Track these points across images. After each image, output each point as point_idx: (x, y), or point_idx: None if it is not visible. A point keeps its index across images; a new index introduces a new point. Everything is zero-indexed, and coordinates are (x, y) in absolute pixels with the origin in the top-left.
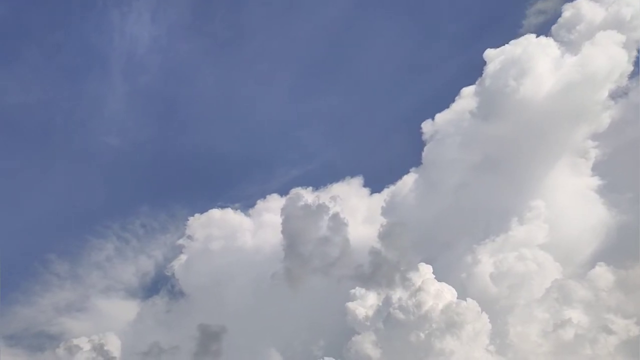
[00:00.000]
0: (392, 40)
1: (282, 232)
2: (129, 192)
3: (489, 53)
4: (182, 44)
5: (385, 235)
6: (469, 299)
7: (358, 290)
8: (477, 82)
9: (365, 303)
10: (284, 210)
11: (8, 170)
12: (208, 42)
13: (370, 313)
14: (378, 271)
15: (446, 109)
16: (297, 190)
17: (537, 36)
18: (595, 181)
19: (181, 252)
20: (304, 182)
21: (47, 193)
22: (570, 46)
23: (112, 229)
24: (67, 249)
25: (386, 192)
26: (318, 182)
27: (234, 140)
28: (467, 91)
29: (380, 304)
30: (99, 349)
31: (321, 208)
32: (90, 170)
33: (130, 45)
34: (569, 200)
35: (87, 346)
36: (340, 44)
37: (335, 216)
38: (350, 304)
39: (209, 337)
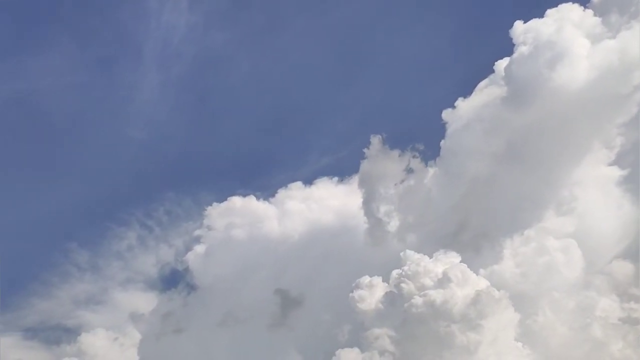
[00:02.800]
0: (424, 28)
1: (360, 185)
2: (154, 178)
3: (518, 28)
4: (218, 33)
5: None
6: (498, 290)
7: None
8: (504, 67)
9: (373, 293)
10: (366, 154)
11: (32, 155)
12: (244, 31)
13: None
14: (462, 233)
15: (469, 96)
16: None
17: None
18: (619, 172)
19: (199, 243)
20: (329, 172)
21: (72, 179)
22: (611, 25)
23: (135, 216)
24: (88, 237)
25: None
26: (344, 171)
27: (264, 130)
28: (492, 77)
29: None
30: (167, 316)
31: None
32: (117, 156)
33: (167, 33)
34: (596, 192)
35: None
36: (375, 32)
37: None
38: (356, 294)
39: (288, 303)
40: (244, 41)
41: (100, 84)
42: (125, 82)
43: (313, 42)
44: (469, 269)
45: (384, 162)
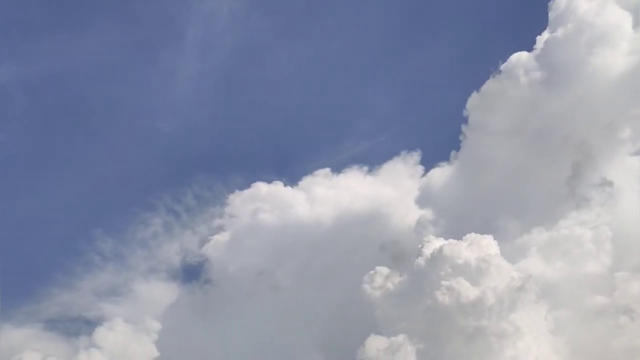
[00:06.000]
0: (461, 15)
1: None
2: (185, 162)
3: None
4: (260, 20)
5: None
6: (528, 281)
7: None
8: (536, 55)
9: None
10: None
11: (62, 136)
12: (285, 18)
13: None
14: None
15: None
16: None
17: None
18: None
19: (222, 231)
20: (361, 160)
21: (101, 161)
22: None
23: (163, 200)
24: (114, 223)
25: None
26: (374, 160)
27: (300, 118)
28: (519, 59)
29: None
30: (268, 275)
31: None
32: (149, 141)
33: (209, 20)
34: (626, 182)
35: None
36: (415, 19)
37: None
38: (367, 286)
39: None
40: (284, 29)
41: (138, 69)
42: (163, 68)
43: (354, 30)
44: (500, 255)
45: None
